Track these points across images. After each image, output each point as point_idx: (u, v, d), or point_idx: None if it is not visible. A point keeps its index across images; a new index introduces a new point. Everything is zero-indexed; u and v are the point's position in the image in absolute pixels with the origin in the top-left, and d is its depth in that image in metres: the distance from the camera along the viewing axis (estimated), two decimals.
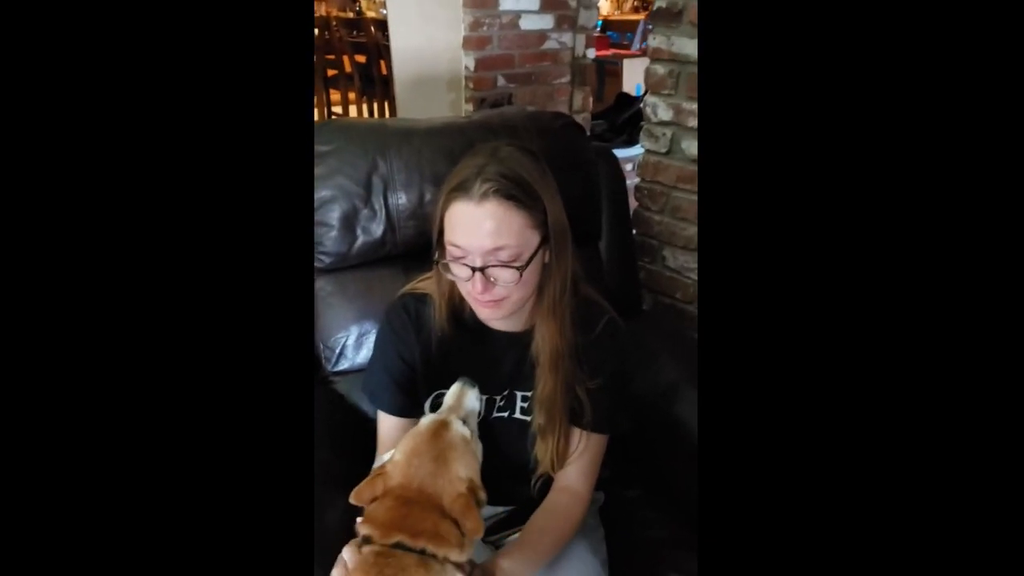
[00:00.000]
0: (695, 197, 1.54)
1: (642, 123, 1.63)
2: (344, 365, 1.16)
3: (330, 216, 1.13)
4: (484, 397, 0.94)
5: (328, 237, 1.14)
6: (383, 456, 0.94)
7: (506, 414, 0.95)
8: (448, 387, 0.94)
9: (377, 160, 1.14)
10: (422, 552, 0.69)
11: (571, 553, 0.92)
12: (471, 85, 2.26)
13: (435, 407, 0.94)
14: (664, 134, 1.57)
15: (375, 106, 3.80)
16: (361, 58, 3.79)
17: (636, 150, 1.68)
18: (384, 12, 3.50)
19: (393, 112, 2.88)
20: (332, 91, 3.96)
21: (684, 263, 1.60)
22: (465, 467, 0.75)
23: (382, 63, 3.59)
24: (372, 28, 3.62)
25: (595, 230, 1.34)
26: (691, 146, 1.53)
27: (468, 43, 2.21)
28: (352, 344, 1.15)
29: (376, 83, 3.70)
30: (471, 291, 0.83)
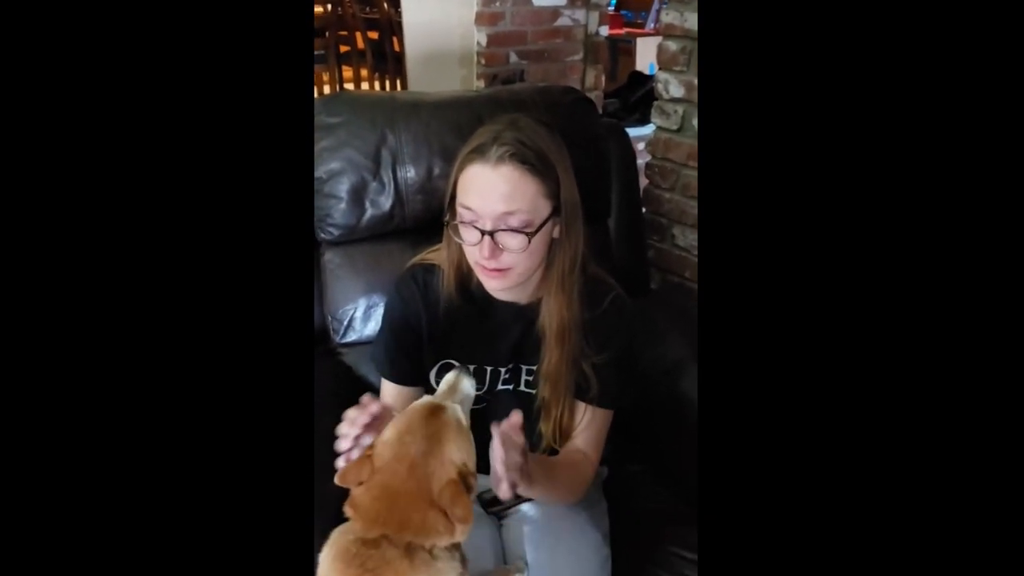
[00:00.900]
0: None
1: (655, 101, 1.62)
2: (352, 337, 1.17)
3: (339, 188, 1.13)
4: (489, 369, 0.94)
5: (337, 209, 1.14)
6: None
7: (511, 387, 0.95)
8: (454, 358, 0.95)
9: (386, 133, 1.14)
10: (407, 545, 0.67)
11: (573, 526, 0.92)
12: (483, 61, 2.25)
13: (440, 378, 0.95)
14: (676, 111, 1.56)
15: (387, 83, 3.78)
16: (374, 34, 3.77)
17: (648, 129, 1.67)
18: None
19: (405, 89, 2.87)
20: (344, 67, 3.95)
21: (694, 242, 1.59)
22: (458, 450, 0.73)
23: (395, 39, 3.57)
24: (385, 4, 3.59)
25: (604, 207, 1.33)
26: None
27: (481, 19, 2.19)
28: (360, 316, 1.16)
29: (388, 60, 3.67)
30: (478, 256, 0.84)
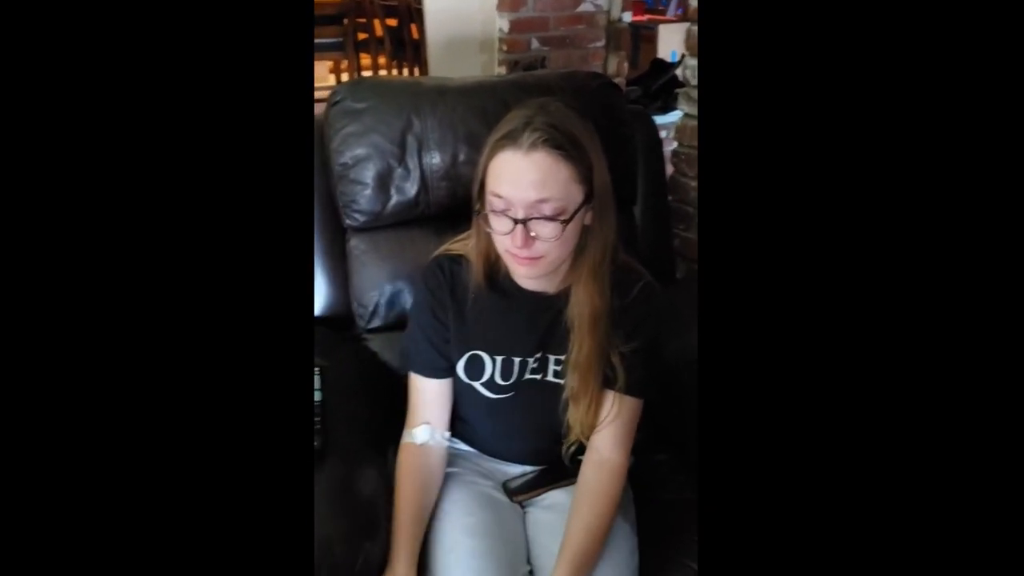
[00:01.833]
0: None
1: (677, 90, 1.60)
2: (377, 323, 1.16)
3: (364, 175, 1.13)
4: (517, 360, 0.94)
5: (363, 196, 1.13)
6: (414, 427, 0.95)
7: (538, 376, 0.95)
8: (481, 348, 0.94)
9: (412, 118, 1.13)
10: None
11: None
12: (504, 47, 2.23)
13: (468, 369, 0.95)
14: None
15: (404, 70, 3.77)
16: (392, 22, 3.76)
17: (671, 117, 1.66)
18: None
19: (424, 75, 2.85)
20: (362, 55, 3.94)
21: None
22: None
23: (413, 27, 3.56)
24: None
25: (630, 195, 1.32)
26: None
27: (503, 4, 2.17)
28: (385, 303, 1.16)
29: (407, 47, 3.66)
30: (510, 245, 0.82)
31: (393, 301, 1.16)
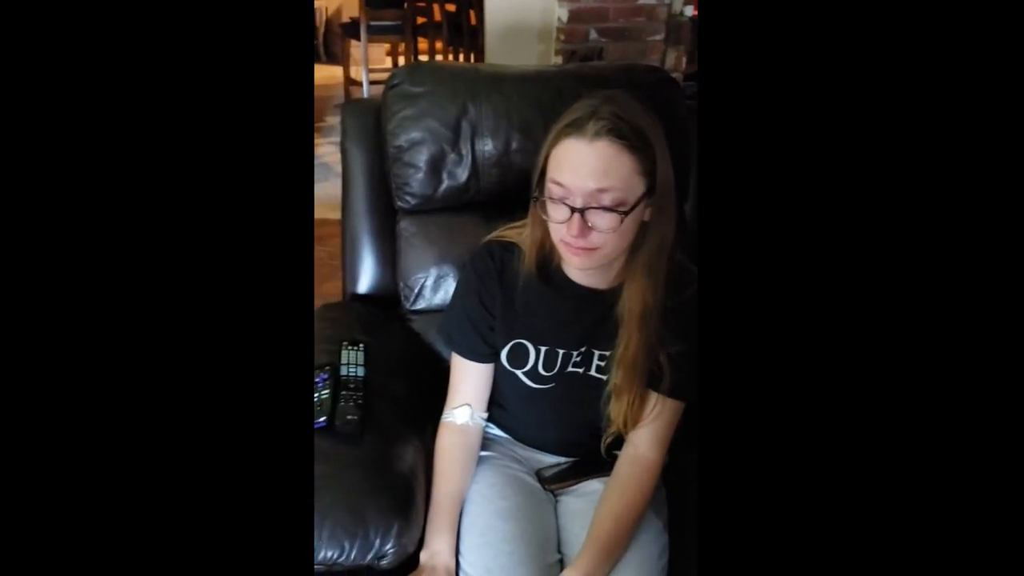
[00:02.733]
0: None
1: None
2: (421, 304, 1.18)
3: (418, 158, 1.14)
4: (560, 352, 0.94)
5: (415, 179, 1.15)
6: (454, 407, 0.96)
7: (581, 370, 0.95)
8: (526, 338, 0.94)
9: (467, 105, 1.14)
10: None
11: None
12: (562, 37, 2.22)
13: (511, 357, 0.95)
14: None
15: (460, 56, 3.78)
16: (451, 7, 3.77)
17: None
18: None
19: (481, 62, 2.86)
20: (420, 39, 3.96)
21: None
22: None
23: (472, 13, 3.56)
24: None
25: (683, 192, 1.30)
26: None
27: None
28: (430, 285, 1.17)
29: (464, 33, 3.67)
30: (565, 234, 0.82)
31: (439, 284, 1.17)
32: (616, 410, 0.90)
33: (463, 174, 1.16)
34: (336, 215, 1.25)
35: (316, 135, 3.66)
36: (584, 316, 0.93)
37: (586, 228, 0.80)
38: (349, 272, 1.23)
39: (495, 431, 1.03)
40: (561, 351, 0.94)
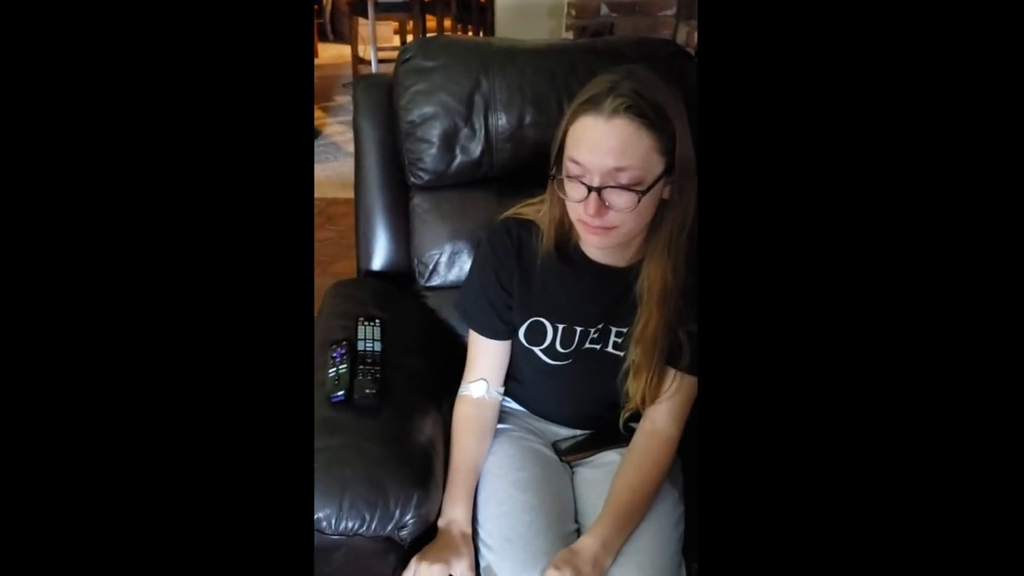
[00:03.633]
0: None
1: None
2: (436, 281, 1.18)
3: (431, 133, 1.13)
4: (578, 329, 0.94)
5: (428, 154, 1.14)
6: (471, 381, 0.97)
7: (598, 346, 0.95)
8: (543, 315, 0.94)
9: (480, 78, 1.13)
10: None
11: None
12: (573, 12, 2.19)
13: (529, 334, 0.96)
14: None
15: (469, 33, 3.75)
16: None
17: None
18: None
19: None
20: (428, 17, 3.93)
21: None
22: None
23: None
24: None
25: None
26: None
27: None
28: (445, 261, 1.17)
29: (472, 10, 3.63)
30: (582, 213, 0.81)
31: (453, 260, 1.17)
32: (634, 387, 0.91)
33: (476, 149, 1.15)
34: (347, 195, 1.25)
35: (324, 114, 3.65)
36: (602, 294, 0.93)
37: (603, 207, 0.79)
38: (363, 249, 1.23)
39: (512, 404, 1.04)
40: (579, 328, 0.94)
